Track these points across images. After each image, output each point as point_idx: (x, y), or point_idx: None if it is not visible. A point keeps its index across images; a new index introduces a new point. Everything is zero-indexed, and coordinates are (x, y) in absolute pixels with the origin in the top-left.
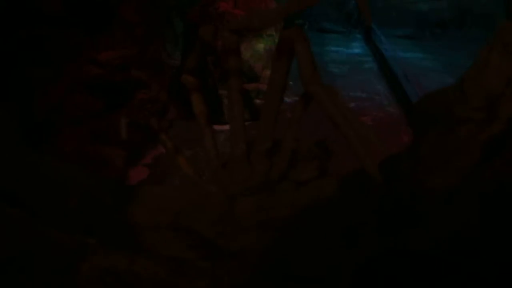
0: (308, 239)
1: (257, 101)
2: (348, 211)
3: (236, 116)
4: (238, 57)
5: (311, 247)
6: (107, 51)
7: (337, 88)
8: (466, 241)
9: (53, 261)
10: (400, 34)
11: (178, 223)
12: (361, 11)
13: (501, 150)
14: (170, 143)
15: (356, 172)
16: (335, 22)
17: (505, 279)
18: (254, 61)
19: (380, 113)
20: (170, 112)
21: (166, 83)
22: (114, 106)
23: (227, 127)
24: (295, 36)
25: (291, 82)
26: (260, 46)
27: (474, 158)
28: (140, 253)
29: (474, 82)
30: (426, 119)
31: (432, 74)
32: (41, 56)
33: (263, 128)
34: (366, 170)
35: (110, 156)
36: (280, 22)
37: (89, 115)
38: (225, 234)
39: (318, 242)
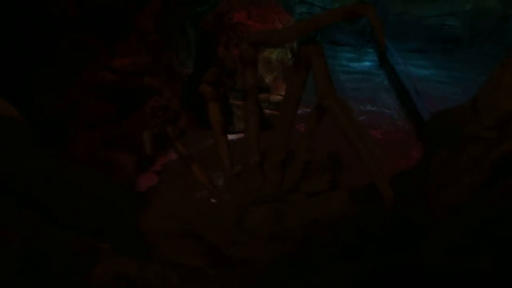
0: (317, 250)
1: (267, 111)
2: (356, 224)
3: (251, 127)
4: (255, 69)
5: (319, 258)
6: (121, 58)
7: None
8: (474, 258)
9: (67, 263)
10: (411, 49)
11: (190, 230)
12: (377, 37)
13: None
14: (184, 151)
15: (366, 186)
16: (347, 35)
17: None
18: (265, 72)
19: (390, 127)
20: (181, 120)
21: (178, 90)
22: (127, 112)
23: (236, 136)
24: (313, 51)
25: None
26: (272, 57)
27: (485, 176)
28: (151, 259)
29: (487, 102)
30: (438, 136)
31: (443, 89)
32: (58, 60)
33: (277, 139)
34: (377, 185)
35: (121, 161)
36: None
37: (102, 120)
38: (235, 243)
39: (326, 254)
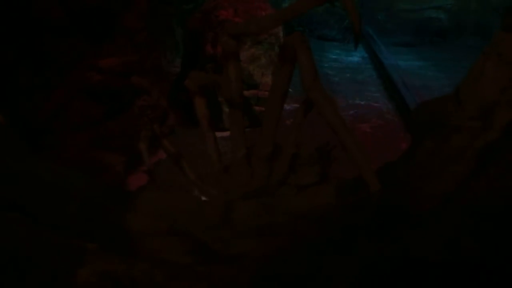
0: (305, 245)
1: (256, 108)
2: (345, 217)
3: (237, 121)
4: (237, 62)
5: (308, 253)
6: (108, 58)
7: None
8: (462, 247)
9: (52, 265)
10: (399, 42)
11: (177, 228)
12: (349, 16)
13: (496, 158)
14: (172, 148)
15: (353, 179)
16: (335, 31)
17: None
18: (253, 68)
19: (379, 121)
20: (170, 119)
21: (166, 89)
22: (115, 112)
23: (226, 133)
24: (297, 43)
25: (290, 90)
26: (260, 53)
27: (469, 165)
28: (138, 258)
29: (470, 91)
30: (422, 127)
31: (431, 82)
32: (43, 63)
33: (264, 133)
34: (364, 177)
35: (110, 162)
36: (278, 27)
37: (90, 122)
38: (222, 239)
39: (315, 249)
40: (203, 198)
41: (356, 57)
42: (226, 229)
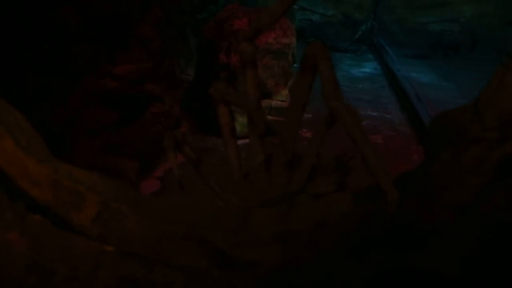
0: (321, 253)
1: (269, 117)
2: (361, 225)
3: (255, 128)
4: (255, 69)
5: (324, 261)
6: (123, 65)
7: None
8: (480, 260)
9: (73, 268)
10: (412, 55)
11: (193, 233)
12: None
13: None
14: (193, 154)
15: (370, 187)
16: (348, 42)
17: None
18: (266, 77)
19: (391, 132)
20: (183, 126)
21: (179, 97)
22: (128, 118)
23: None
24: (319, 53)
25: None
26: (273, 63)
27: (488, 177)
28: (156, 262)
29: (489, 102)
30: (439, 138)
31: (443, 93)
32: (60, 68)
33: (284, 141)
34: (383, 186)
35: (122, 167)
36: (291, 38)
37: (104, 127)
38: (239, 245)
39: (331, 256)
40: (217, 204)
41: (369, 68)
42: (244, 235)
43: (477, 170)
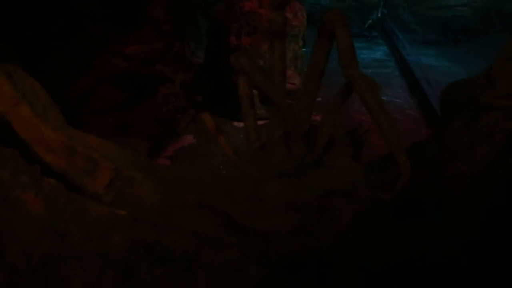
0: (330, 219)
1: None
2: (371, 194)
3: (279, 98)
4: (283, 41)
5: (333, 227)
6: (134, 46)
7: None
8: (495, 222)
9: (87, 229)
10: (423, 40)
11: (205, 202)
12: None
13: None
14: (213, 122)
15: (382, 157)
16: (359, 27)
17: None
18: None
19: (401, 116)
20: (192, 108)
21: (189, 79)
22: (139, 99)
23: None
24: (336, 20)
25: (319, 99)
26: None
27: (499, 145)
28: (168, 228)
29: (501, 70)
30: (452, 107)
31: (454, 79)
32: (72, 48)
33: (301, 110)
34: (395, 155)
35: (133, 147)
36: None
37: (115, 107)
38: (250, 213)
39: (340, 223)
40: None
41: (379, 53)
42: (255, 204)
43: (489, 139)
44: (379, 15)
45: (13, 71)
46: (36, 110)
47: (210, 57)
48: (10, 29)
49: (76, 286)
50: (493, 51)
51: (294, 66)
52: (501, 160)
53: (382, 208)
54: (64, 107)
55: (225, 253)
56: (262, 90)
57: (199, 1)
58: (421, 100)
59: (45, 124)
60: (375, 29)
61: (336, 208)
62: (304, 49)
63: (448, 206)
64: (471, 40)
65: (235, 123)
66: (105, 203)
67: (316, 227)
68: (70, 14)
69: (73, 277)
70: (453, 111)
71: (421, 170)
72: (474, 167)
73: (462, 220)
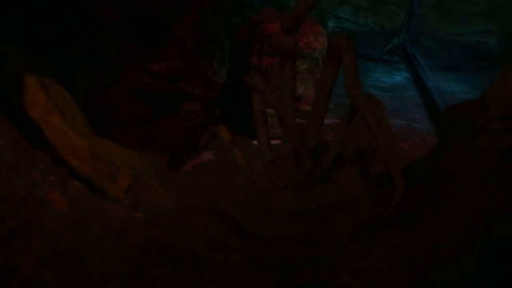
0: (332, 230)
1: (297, 120)
2: (370, 208)
3: (288, 116)
4: (293, 63)
5: (334, 237)
6: (159, 63)
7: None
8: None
9: (106, 227)
10: (445, 66)
11: (216, 209)
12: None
13: None
14: (228, 135)
15: (383, 174)
16: (379, 51)
17: None
18: (297, 81)
19: (418, 140)
20: (213, 125)
21: (211, 97)
22: (162, 114)
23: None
24: (343, 44)
25: (331, 105)
26: (303, 67)
27: (492, 165)
28: (179, 230)
29: (495, 95)
30: (448, 128)
31: None
32: (101, 62)
33: (309, 128)
34: (391, 173)
35: (154, 160)
36: (323, 44)
37: (138, 121)
38: (258, 221)
39: (341, 233)
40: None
41: (400, 78)
42: (262, 213)
43: (482, 160)
44: (401, 40)
45: (48, 82)
46: (66, 119)
47: (232, 76)
48: (44, 43)
49: (94, 277)
50: None
51: (313, 88)
52: (492, 180)
53: (380, 220)
54: (91, 118)
55: (230, 256)
56: (274, 109)
57: (224, 22)
58: None
59: (73, 132)
60: (396, 54)
61: (338, 219)
62: None
63: (438, 220)
64: (494, 67)
65: (255, 141)
66: (123, 206)
67: (318, 236)
68: (100, 31)
69: (92, 269)
70: (449, 132)
71: (418, 187)
72: (467, 186)
73: (448, 232)
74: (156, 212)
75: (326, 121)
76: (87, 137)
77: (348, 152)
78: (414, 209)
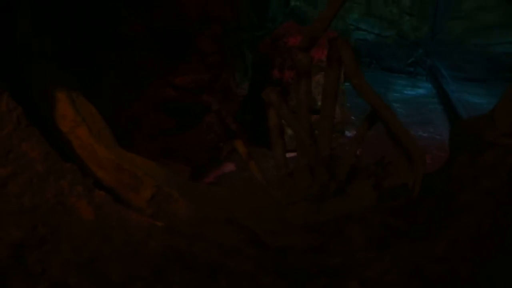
0: (343, 241)
1: (316, 132)
2: (381, 220)
3: (302, 131)
4: (308, 79)
5: (347, 248)
6: (182, 76)
7: None
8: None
9: (128, 235)
10: (469, 77)
11: (233, 219)
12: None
13: None
14: (245, 149)
15: (393, 187)
16: (402, 63)
17: None
18: (318, 94)
19: (440, 152)
20: (236, 137)
21: (233, 109)
22: (185, 126)
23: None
24: (341, 44)
25: (353, 117)
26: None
27: (502, 179)
28: (197, 238)
29: (503, 110)
30: (459, 143)
31: None
32: (126, 75)
33: (321, 136)
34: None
35: (177, 171)
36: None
37: (162, 132)
38: (273, 232)
39: (353, 244)
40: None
41: (423, 90)
42: (277, 224)
43: (492, 174)
44: (424, 52)
45: (76, 97)
46: (92, 132)
47: (254, 89)
48: (72, 59)
49: (116, 280)
50: None
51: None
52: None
53: (391, 231)
54: (116, 130)
55: (245, 264)
56: (288, 124)
57: (246, 35)
58: None
59: (98, 144)
60: (419, 66)
61: (350, 231)
62: (346, 84)
63: (447, 232)
64: None
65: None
66: (145, 215)
67: (330, 246)
68: (125, 46)
69: (114, 273)
70: (460, 146)
71: (430, 199)
72: (478, 198)
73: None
74: (176, 221)
75: (348, 133)
76: (112, 150)
77: (362, 165)
78: (424, 221)
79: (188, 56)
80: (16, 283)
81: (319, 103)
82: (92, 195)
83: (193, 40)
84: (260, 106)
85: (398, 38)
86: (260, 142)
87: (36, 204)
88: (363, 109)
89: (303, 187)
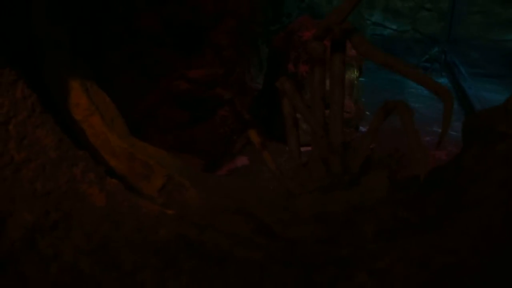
0: (353, 233)
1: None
2: (392, 212)
3: (316, 122)
4: (322, 68)
5: (357, 239)
6: (196, 70)
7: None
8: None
9: (139, 222)
10: (486, 73)
11: (243, 209)
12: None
13: None
14: (259, 139)
15: (405, 178)
16: (419, 58)
17: None
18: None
19: (455, 149)
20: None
21: (248, 103)
22: (198, 119)
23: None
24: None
25: (367, 113)
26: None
27: None
28: (207, 227)
29: None
30: (471, 135)
31: None
32: (141, 68)
33: (332, 123)
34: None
35: (190, 164)
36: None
37: (176, 126)
38: (283, 222)
39: (364, 236)
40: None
41: None
42: (287, 214)
43: (505, 165)
44: (441, 47)
45: (90, 86)
46: (105, 121)
47: (269, 83)
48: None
49: (125, 267)
50: None
51: (349, 95)
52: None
53: (401, 223)
54: (130, 122)
55: (254, 253)
56: (302, 115)
57: (261, 29)
58: None
59: (111, 133)
60: (436, 61)
61: (360, 222)
62: (362, 79)
63: (456, 224)
64: None
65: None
66: (157, 203)
67: (340, 237)
68: (140, 39)
69: (124, 260)
70: (472, 138)
71: (441, 191)
72: (490, 190)
73: (465, 235)
74: (187, 210)
75: (362, 129)
76: (125, 138)
77: (376, 156)
78: (434, 214)
79: (202, 49)
80: (28, 266)
81: None
82: (104, 183)
83: (208, 33)
84: (275, 100)
85: (415, 33)
86: (274, 136)
87: (48, 190)
88: (378, 105)
89: (316, 178)
